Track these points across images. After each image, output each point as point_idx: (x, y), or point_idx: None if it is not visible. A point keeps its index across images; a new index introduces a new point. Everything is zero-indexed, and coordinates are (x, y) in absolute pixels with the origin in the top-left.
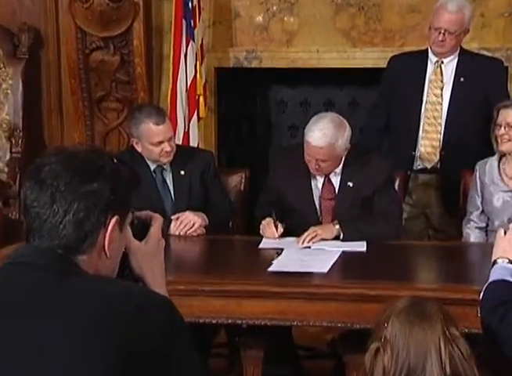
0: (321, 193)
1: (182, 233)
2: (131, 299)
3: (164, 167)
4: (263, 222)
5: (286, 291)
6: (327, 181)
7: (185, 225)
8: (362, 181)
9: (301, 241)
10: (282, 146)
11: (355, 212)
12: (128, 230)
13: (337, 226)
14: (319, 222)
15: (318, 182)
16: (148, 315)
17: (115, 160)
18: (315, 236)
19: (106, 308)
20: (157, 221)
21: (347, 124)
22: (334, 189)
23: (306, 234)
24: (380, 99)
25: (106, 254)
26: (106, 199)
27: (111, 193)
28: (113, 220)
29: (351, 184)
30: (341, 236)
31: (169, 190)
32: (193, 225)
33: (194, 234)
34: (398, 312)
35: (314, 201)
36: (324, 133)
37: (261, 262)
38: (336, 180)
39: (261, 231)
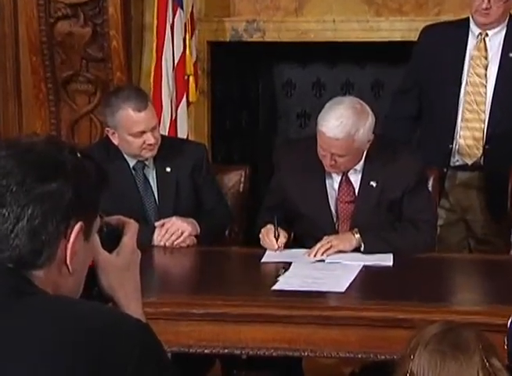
0: (337, 195)
1: (167, 244)
2: (100, 319)
3: (146, 163)
4: (262, 230)
5: (295, 314)
6: (345, 180)
7: (172, 234)
8: (388, 180)
9: (313, 254)
10: (289, 138)
11: (379, 218)
12: (96, 240)
13: (357, 235)
14: (334, 230)
15: (334, 182)
16: (123, 334)
17: (78, 155)
18: (330, 247)
19: (67, 332)
20: (131, 228)
21: (369, 110)
22: (354, 189)
23: (319, 245)
24: (409, 81)
25: (68, 269)
26: (68, 202)
27: (74, 194)
28: (77, 227)
29: (374, 184)
30: (362, 248)
31: (152, 191)
32: (182, 233)
33: (183, 245)
34: (427, 340)
35: (329, 205)
36: (341, 122)
37: (264, 280)
38: (356, 179)
39: (261, 242)
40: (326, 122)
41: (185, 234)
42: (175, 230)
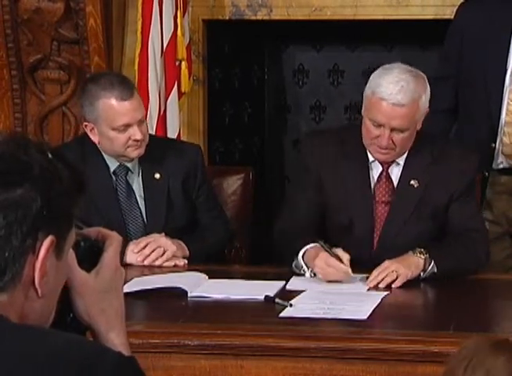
0: (374, 193)
1: (146, 262)
2: (75, 354)
3: (129, 166)
4: (318, 261)
5: (308, 346)
6: (385, 176)
7: (153, 251)
8: (433, 181)
9: (374, 283)
10: (309, 131)
11: (418, 226)
12: (71, 256)
13: (423, 256)
14: (371, 237)
15: (372, 179)
16: (102, 372)
17: (49, 155)
18: (396, 276)
19: (33, 371)
20: (113, 241)
21: (424, 75)
22: (393, 187)
23: (381, 273)
24: (445, 66)
25: (36, 291)
26: (36, 211)
27: (43, 202)
28: (47, 242)
29: (415, 183)
30: (424, 273)
31: (137, 203)
32: (164, 252)
33: (168, 264)
34: (488, 353)
35: (372, 206)
36: (402, 86)
37: (271, 305)
38: (396, 175)
39: (320, 275)
40: (384, 88)
41: (168, 254)
42: (156, 247)
